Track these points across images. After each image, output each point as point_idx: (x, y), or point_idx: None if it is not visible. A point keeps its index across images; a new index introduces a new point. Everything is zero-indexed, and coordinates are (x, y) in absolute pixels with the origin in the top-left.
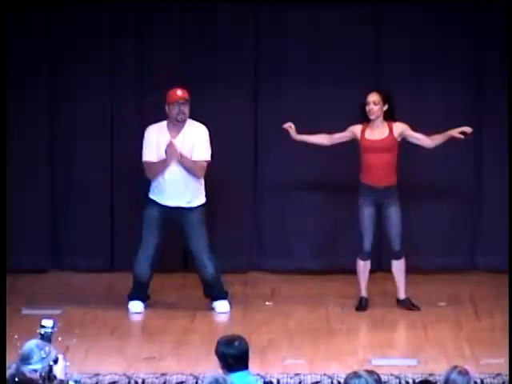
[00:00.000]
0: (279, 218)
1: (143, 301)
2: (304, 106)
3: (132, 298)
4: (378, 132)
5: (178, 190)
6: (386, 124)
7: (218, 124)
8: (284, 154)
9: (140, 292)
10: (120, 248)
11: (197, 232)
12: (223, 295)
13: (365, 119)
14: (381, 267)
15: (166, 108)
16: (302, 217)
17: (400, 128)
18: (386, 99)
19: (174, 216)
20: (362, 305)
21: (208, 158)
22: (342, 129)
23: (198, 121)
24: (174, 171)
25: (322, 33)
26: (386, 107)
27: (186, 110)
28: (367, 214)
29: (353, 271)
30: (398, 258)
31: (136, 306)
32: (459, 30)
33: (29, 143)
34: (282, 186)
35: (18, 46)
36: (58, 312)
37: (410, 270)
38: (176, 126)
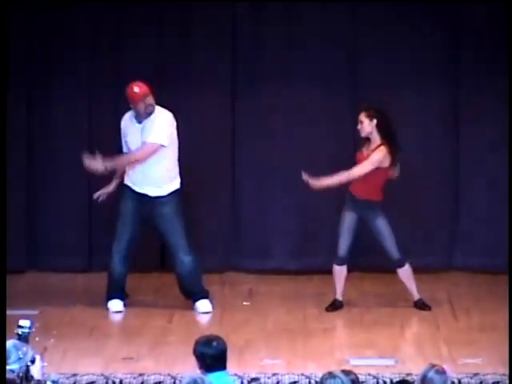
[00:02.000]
0: (257, 217)
1: (121, 299)
2: (280, 105)
3: (110, 296)
4: (367, 147)
5: (139, 179)
6: (376, 143)
7: (195, 123)
8: (262, 154)
9: (116, 289)
10: (97, 248)
11: (170, 224)
12: (204, 294)
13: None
14: (358, 266)
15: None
16: (279, 216)
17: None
18: (371, 115)
19: (146, 208)
20: (334, 305)
21: (157, 141)
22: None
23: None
24: None
25: (299, 32)
26: (374, 122)
27: (150, 101)
28: (347, 219)
29: (331, 271)
30: (401, 265)
31: (116, 305)
32: (435, 27)
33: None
34: (260, 186)
35: None
36: (35, 312)
37: (386, 270)
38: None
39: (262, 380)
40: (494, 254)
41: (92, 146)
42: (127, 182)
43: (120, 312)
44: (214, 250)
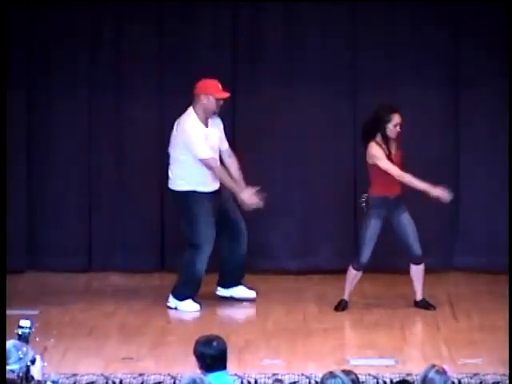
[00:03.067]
0: (257, 217)
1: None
2: (280, 105)
3: (188, 296)
4: (393, 147)
5: (210, 179)
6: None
7: None
8: (261, 154)
9: (197, 290)
10: (97, 248)
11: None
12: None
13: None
14: None
15: (204, 98)
16: (279, 217)
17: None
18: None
19: (217, 203)
20: (340, 306)
21: None
22: None
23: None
24: None
25: (299, 32)
26: None
27: None
28: (373, 227)
29: (330, 271)
30: (418, 262)
31: (194, 305)
32: (435, 27)
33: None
34: (260, 185)
35: None
36: (35, 312)
37: (387, 270)
38: (205, 117)
39: (263, 380)
40: (494, 254)
41: (92, 146)
42: (198, 187)
43: (197, 312)
44: (214, 250)
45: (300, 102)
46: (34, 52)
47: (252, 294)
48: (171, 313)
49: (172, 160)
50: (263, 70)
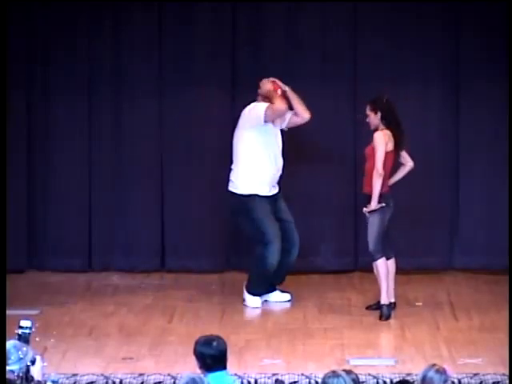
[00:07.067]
0: None
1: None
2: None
3: (256, 293)
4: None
5: (271, 184)
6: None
7: (195, 123)
8: None
9: (266, 287)
10: (97, 248)
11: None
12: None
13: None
14: (358, 266)
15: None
16: None
17: (374, 138)
18: (376, 108)
19: (273, 206)
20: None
21: None
22: None
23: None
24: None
25: (299, 32)
26: (379, 115)
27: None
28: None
29: (330, 272)
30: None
31: (259, 301)
32: (435, 27)
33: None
34: None
35: None
36: (35, 312)
37: None
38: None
39: (263, 380)
40: (494, 254)
41: (92, 146)
42: (259, 191)
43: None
44: (214, 250)
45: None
46: (34, 52)
47: (286, 296)
48: (171, 313)
49: (235, 162)
50: (263, 70)
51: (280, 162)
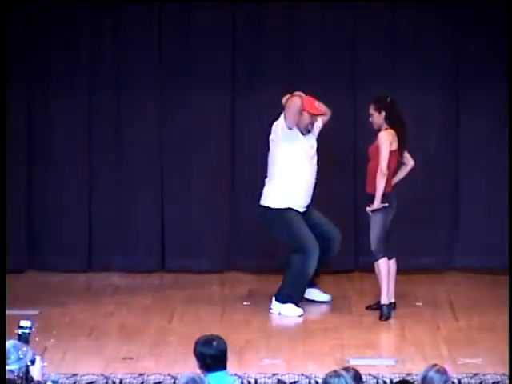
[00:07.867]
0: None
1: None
2: (280, 105)
3: (291, 300)
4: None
5: (306, 199)
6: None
7: (195, 123)
8: (261, 153)
9: (303, 294)
10: (97, 248)
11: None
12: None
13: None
14: (358, 266)
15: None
16: None
17: (379, 137)
18: (379, 107)
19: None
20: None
21: None
22: None
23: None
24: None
25: (299, 33)
26: (383, 114)
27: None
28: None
29: (330, 272)
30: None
31: (298, 310)
32: (435, 27)
33: (7, 143)
34: (258, 186)
35: None
36: (35, 312)
37: None
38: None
39: (263, 380)
40: (494, 254)
41: (92, 146)
42: (293, 205)
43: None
44: (214, 250)
45: None
46: (34, 52)
47: (325, 297)
48: (171, 313)
49: (270, 175)
50: (263, 70)
51: (313, 173)
